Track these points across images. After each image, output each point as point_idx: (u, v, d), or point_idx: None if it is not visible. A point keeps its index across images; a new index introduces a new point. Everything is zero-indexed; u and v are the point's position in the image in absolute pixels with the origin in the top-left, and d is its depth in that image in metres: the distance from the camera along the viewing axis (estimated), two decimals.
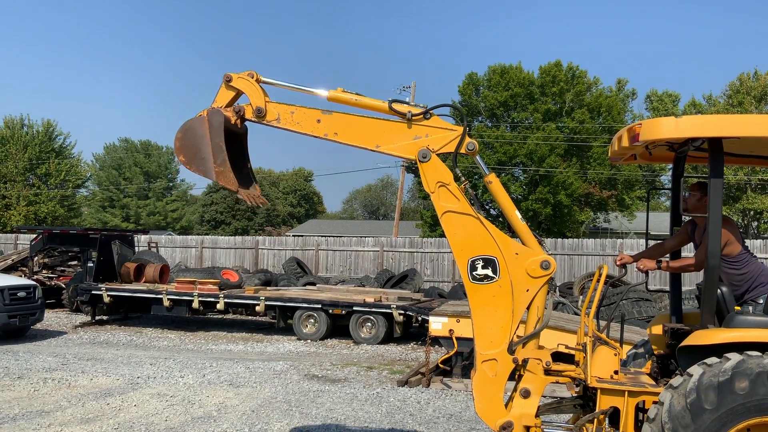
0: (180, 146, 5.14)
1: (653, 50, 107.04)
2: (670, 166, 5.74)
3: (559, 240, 23.30)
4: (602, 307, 13.25)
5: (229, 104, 5.23)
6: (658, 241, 5.79)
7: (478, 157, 5.12)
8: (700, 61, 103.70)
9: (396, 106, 5.09)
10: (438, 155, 5.08)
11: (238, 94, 5.22)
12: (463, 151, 5.02)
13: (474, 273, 4.98)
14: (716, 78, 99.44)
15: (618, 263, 5.60)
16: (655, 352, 5.49)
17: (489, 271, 4.96)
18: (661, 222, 5.40)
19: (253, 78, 5.18)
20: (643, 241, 5.59)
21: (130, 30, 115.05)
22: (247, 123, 5.34)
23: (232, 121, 5.18)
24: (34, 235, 20.77)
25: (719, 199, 4.56)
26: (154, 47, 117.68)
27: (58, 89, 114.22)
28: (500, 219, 25.45)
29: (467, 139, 5.02)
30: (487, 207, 32.75)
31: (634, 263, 5.43)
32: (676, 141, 4.83)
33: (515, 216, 5.02)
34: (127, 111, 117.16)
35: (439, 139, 5.07)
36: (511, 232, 5.12)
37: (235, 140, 5.33)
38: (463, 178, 5.17)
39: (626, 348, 6.01)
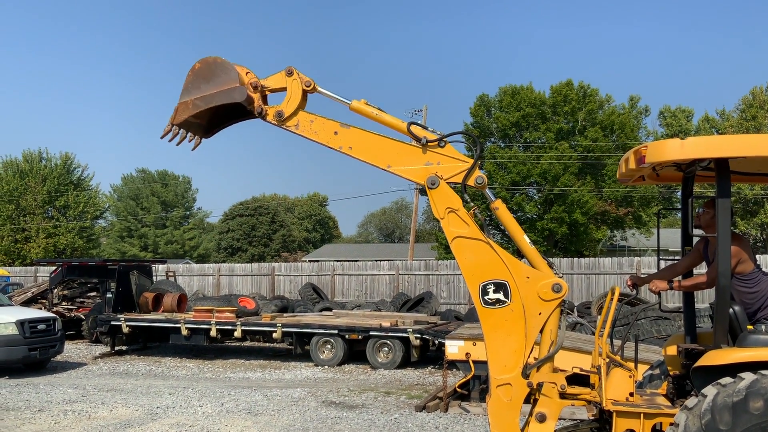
0: (206, 62, 5.25)
1: (665, 66, 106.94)
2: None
3: (576, 259, 23.16)
4: (620, 326, 13.15)
5: (275, 90, 5.36)
6: (671, 262, 5.78)
7: (487, 190, 5.16)
8: (713, 75, 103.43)
9: (414, 129, 5.17)
10: (448, 183, 5.15)
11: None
12: (471, 183, 5.06)
13: (486, 297, 5.00)
14: (730, 92, 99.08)
15: (628, 285, 5.60)
16: (671, 373, 5.46)
17: (501, 296, 4.98)
18: (679, 239, 5.36)
19: (310, 86, 5.30)
20: (662, 257, 5.57)
21: (147, 61, 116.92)
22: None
23: (253, 105, 5.30)
24: (54, 268, 21.02)
25: (728, 219, 4.57)
26: (172, 78, 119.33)
27: (76, 122, 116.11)
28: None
29: (477, 172, 5.07)
30: (503, 228, 32.68)
31: (646, 284, 5.43)
32: (683, 162, 4.86)
33: (524, 240, 5.05)
34: (144, 142, 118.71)
35: (449, 168, 5.13)
36: (520, 257, 5.15)
37: (240, 110, 5.44)
38: (472, 204, 5.23)
39: (643, 368, 5.99)
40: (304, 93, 5.32)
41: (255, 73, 5.41)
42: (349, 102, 5.29)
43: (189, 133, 5.53)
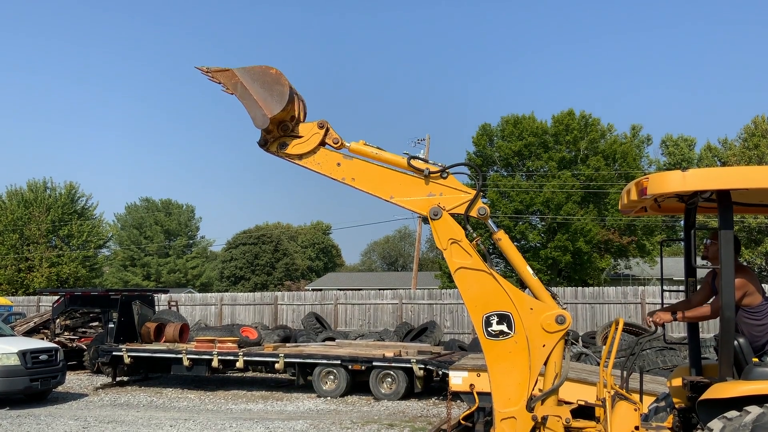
0: (279, 77, 5.24)
1: (667, 95, 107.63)
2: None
3: (580, 289, 23.06)
4: (624, 357, 13.05)
5: (299, 137, 5.38)
6: (685, 297, 5.69)
7: (490, 221, 5.18)
8: (714, 104, 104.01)
9: (414, 163, 5.21)
10: (450, 213, 5.17)
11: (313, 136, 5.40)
12: (473, 214, 5.08)
13: (489, 329, 4.99)
14: (732, 121, 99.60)
15: (653, 321, 5.44)
16: (677, 406, 5.41)
17: (504, 327, 4.96)
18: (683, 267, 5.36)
19: (337, 143, 5.36)
20: (665, 288, 5.53)
21: (151, 92, 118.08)
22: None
23: (266, 134, 5.36)
24: (57, 297, 20.99)
25: (731, 250, 4.57)
26: (175, 109, 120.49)
27: (81, 152, 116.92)
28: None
29: (479, 204, 5.10)
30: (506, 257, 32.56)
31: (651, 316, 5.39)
32: (685, 193, 4.87)
33: (527, 271, 5.04)
34: (149, 171, 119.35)
35: (451, 200, 5.15)
36: (524, 287, 5.15)
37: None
38: (474, 234, 5.24)
39: (648, 400, 5.93)
40: (322, 145, 5.36)
41: (305, 115, 5.44)
42: (348, 144, 5.35)
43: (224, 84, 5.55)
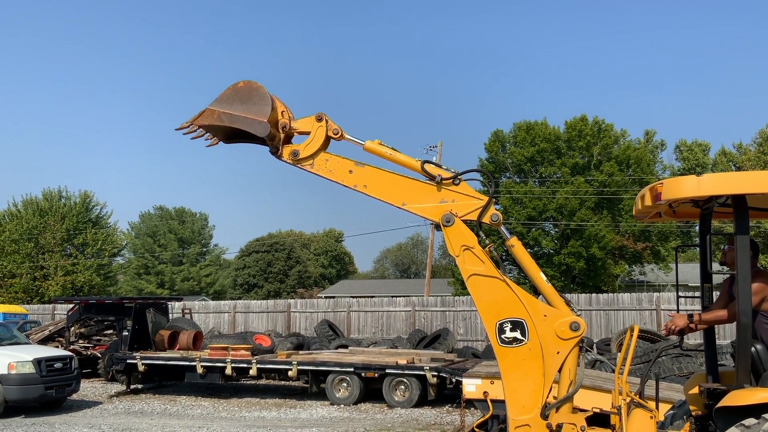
0: (250, 85, 5.32)
1: (680, 100, 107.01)
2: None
3: (594, 295, 22.90)
4: (640, 364, 12.93)
5: (303, 133, 5.43)
6: (700, 309, 5.63)
7: (502, 227, 5.15)
8: (729, 109, 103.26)
9: (428, 168, 5.20)
10: (463, 220, 5.15)
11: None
12: (486, 220, 5.06)
13: (502, 336, 4.96)
14: (746, 125, 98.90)
15: (668, 328, 5.35)
16: (693, 413, 5.34)
17: (518, 334, 4.94)
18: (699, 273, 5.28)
19: (337, 134, 5.38)
20: (681, 294, 5.50)
21: (164, 100, 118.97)
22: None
23: (272, 142, 5.39)
24: (71, 306, 21.11)
25: (747, 256, 4.52)
26: (188, 117, 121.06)
27: (95, 161, 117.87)
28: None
29: (491, 210, 5.08)
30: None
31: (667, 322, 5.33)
32: (700, 199, 4.83)
33: (540, 278, 5.01)
34: (162, 179, 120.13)
35: (464, 206, 5.13)
36: (537, 294, 5.12)
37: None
38: (487, 241, 5.21)
39: (664, 407, 5.86)
40: (328, 139, 5.38)
41: (292, 113, 5.49)
42: (363, 143, 5.35)
43: (208, 133, 5.61)
